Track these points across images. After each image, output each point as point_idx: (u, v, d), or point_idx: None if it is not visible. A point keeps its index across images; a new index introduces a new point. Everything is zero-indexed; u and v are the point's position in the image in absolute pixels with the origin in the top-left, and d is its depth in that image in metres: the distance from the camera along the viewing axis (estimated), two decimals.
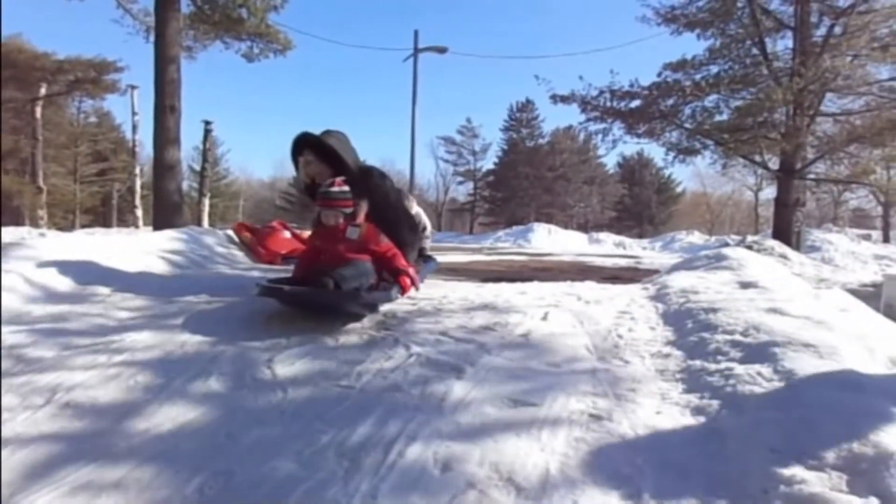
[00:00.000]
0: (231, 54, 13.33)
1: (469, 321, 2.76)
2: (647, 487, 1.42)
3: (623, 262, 10.89)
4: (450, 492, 1.45)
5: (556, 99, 13.71)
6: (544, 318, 2.78)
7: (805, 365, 1.84)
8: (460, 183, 41.65)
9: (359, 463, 1.57)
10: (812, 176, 13.12)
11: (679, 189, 41.31)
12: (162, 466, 1.59)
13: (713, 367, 2.01)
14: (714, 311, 2.54)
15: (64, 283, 3.25)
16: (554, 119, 55.18)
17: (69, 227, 22.63)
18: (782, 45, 12.73)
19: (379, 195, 3.36)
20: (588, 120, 13.81)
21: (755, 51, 12.55)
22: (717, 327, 2.34)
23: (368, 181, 3.35)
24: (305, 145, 3.34)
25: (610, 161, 40.83)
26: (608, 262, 10.53)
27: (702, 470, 1.48)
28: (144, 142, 21.52)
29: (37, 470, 1.54)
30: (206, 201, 16.29)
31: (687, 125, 13.10)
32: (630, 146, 41.78)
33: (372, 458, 1.59)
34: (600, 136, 13.57)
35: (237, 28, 12.94)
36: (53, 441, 1.69)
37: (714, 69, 12.54)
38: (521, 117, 39.01)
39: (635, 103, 13.05)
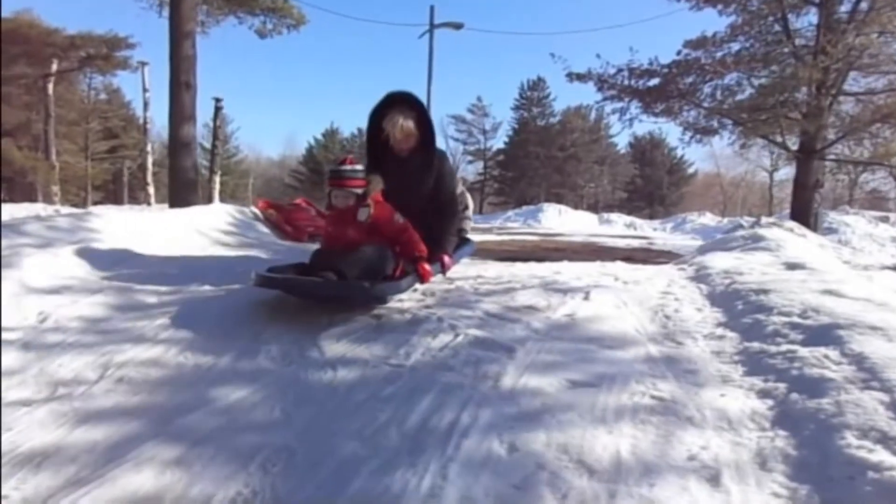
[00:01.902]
0: (242, 31, 13.19)
1: (510, 301, 2.72)
2: (726, 472, 1.38)
3: (635, 243, 10.79)
4: (520, 473, 1.42)
5: (572, 77, 13.47)
6: (586, 297, 2.73)
7: (876, 348, 1.79)
8: (470, 162, 41.35)
9: (423, 443, 1.54)
10: (832, 157, 12.90)
11: (691, 170, 40.92)
12: (220, 443, 1.57)
13: (774, 349, 1.96)
14: (765, 292, 2.49)
15: (123, 262, 3.24)
16: (565, 98, 54.75)
17: (81, 204, 22.68)
18: (805, 21, 12.42)
19: (442, 178, 3.15)
20: (605, 98, 13.57)
21: (777, 27, 12.26)
22: (771, 309, 2.29)
23: (443, 162, 3.21)
24: (405, 103, 3.03)
25: (621, 141, 40.43)
26: (620, 243, 10.43)
27: (779, 455, 1.44)
28: (155, 119, 21.44)
29: (98, 446, 1.52)
30: (217, 179, 16.25)
31: (706, 104, 12.88)
32: (642, 126, 41.40)
33: (436, 438, 1.57)
34: (617, 114, 13.33)
35: (251, 2, 12.81)
36: (111, 416, 1.67)
37: (735, 47, 12.25)
38: (533, 96, 38.57)
39: (654, 81, 12.80)
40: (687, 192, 40.21)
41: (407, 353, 2.13)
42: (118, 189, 30.21)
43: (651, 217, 28.51)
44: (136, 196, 25.34)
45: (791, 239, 3.79)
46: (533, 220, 22.17)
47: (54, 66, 18.35)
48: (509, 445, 1.53)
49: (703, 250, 4.11)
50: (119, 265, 3.08)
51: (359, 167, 2.78)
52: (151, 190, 19.97)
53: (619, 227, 21.23)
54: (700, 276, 3.10)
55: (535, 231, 15.62)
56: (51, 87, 19.53)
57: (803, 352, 1.88)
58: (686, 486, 1.34)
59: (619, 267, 3.73)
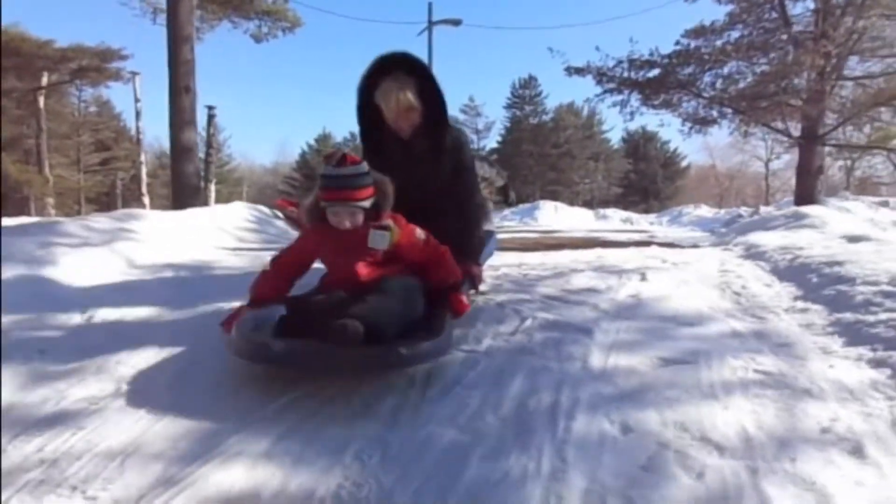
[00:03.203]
0: (235, 36, 13.09)
1: (566, 284, 2.62)
2: (868, 443, 1.29)
3: (636, 237, 10.73)
4: (643, 453, 1.31)
5: (570, 71, 13.44)
6: (643, 278, 2.64)
7: None
8: None
9: (527, 426, 1.44)
10: (833, 142, 12.91)
11: (685, 163, 41.02)
12: (306, 435, 1.46)
13: (871, 318, 1.87)
14: (839, 264, 2.40)
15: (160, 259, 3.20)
16: (557, 95, 54.83)
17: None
18: (802, 7, 12.42)
19: (460, 164, 2.43)
20: (604, 92, 13.55)
21: (775, 14, 12.26)
22: (853, 279, 2.20)
23: (460, 142, 2.47)
24: (402, 68, 2.29)
25: (614, 136, 40.54)
26: (621, 237, 10.36)
27: None
28: (146, 129, 21.30)
29: (180, 442, 1.41)
30: (213, 187, 16.11)
31: (705, 94, 12.85)
32: (636, 120, 41.51)
33: (539, 420, 1.46)
34: (618, 108, 13.30)
35: (246, 6, 12.69)
36: (186, 411, 1.55)
37: (734, 35, 12.24)
38: (524, 94, 38.59)
39: (654, 73, 12.79)
40: (681, 186, 40.29)
41: (477, 338, 2.03)
42: (112, 201, 29.95)
43: (647, 211, 28.52)
44: (131, 207, 25.15)
45: (833, 215, 3.73)
46: (529, 217, 22.11)
47: (45, 80, 18.15)
48: (621, 425, 1.42)
49: (741, 230, 4.04)
50: (156, 262, 2.98)
51: (364, 167, 1.90)
52: (147, 200, 19.80)
53: (615, 222, 21.20)
54: (754, 255, 3.02)
55: (533, 228, 15.54)
56: (42, 100, 19.34)
57: None
58: (830, 460, 1.24)
59: (660, 250, 3.64)
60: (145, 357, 1.89)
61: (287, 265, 2.03)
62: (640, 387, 1.61)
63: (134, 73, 19.37)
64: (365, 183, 1.89)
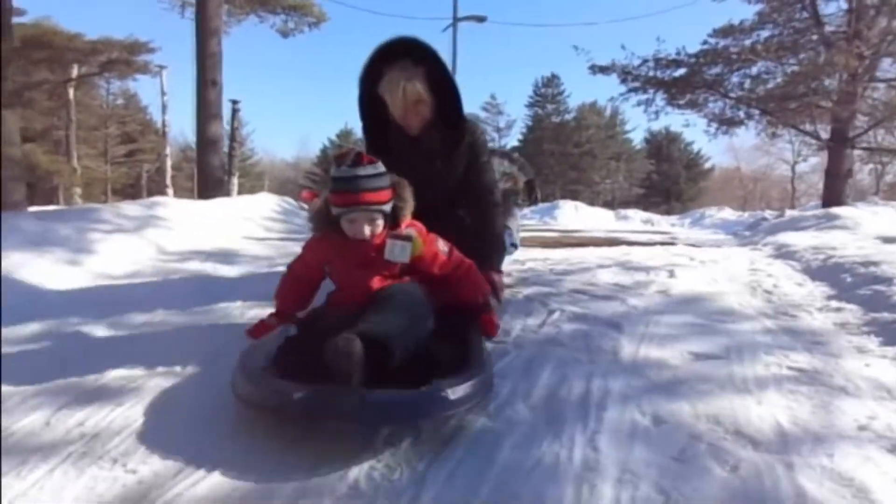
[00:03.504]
0: (253, 30, 13.20)
1: (592, 278, 2.62)
2: None
3: (657, 238, 10.62)
4: (675, 445, 1.31)
5: (595, 69, 13.34)
6: (672, 275, 2.62)
7: None
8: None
9: (558, 415, 1.44)
10: (864, 146, 12.65)
11: (708, 165, 40.49)
12: None
13: None
14: (874, 264, 2.36)
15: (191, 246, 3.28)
16: (580, 94, 54.45)
17: None
18: (834, 6, 12.17)
19: (476, 161, 2.20)
20: (629, 91, 13.43)
21: (805, 14, 12.04)
22: (890, 279, 2.17)
23: (476, 138, 2.23)
24: (409, 55, 2.03)
25: (637, 137, 40.17)
26: (642, 238, 10.25)
27: None
28: (171, 122, 21.63)
29: (214, 420, 1.43)
30: (235, 180, 16.29)
31: (733, 94, 12.67)
32: (659, 121, 41.02)
33: (571, 410, 1.46)
34: (642, 107, 13.17)
35: (272, 1, 12.79)
36: (221, 389, 1.58)
37: (764, 34, 12.04)
38: (547, 93, 38.39)
39: (680, 72, 12.64)
40: (704, 188, 39.78)
41: (505, 329, 2.03)
42: (137, 192, 30.44)
43: (668, 213, 28.19)
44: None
45: (866, 217, 3.67)
46: (549, 217, 21.96)
47: (75, 71, 18.49)
48: (653, 417, 1.42)
49: (770, 230, 3.99)
50: (185, 248, 3.04)
51: (382, 167, 1.67)
52: (170, 192, 20.09)
53: (636, 223, 20.98)
54: (784, 254, 2.98)
55: (553, 228, 15.45)
56: (72, 92, 19.72)
57: None
58: (868, 456, 1.23)
59: (686, 249, 3.61)
60: (179, 339, 1.93)
61: (299, 278, 1.84)
62: (671, 380, 1.60)
63: (161, 67, 19.70)
64: (384, 185, 1.66)
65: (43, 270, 2.35)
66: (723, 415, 1.41)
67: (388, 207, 1.68)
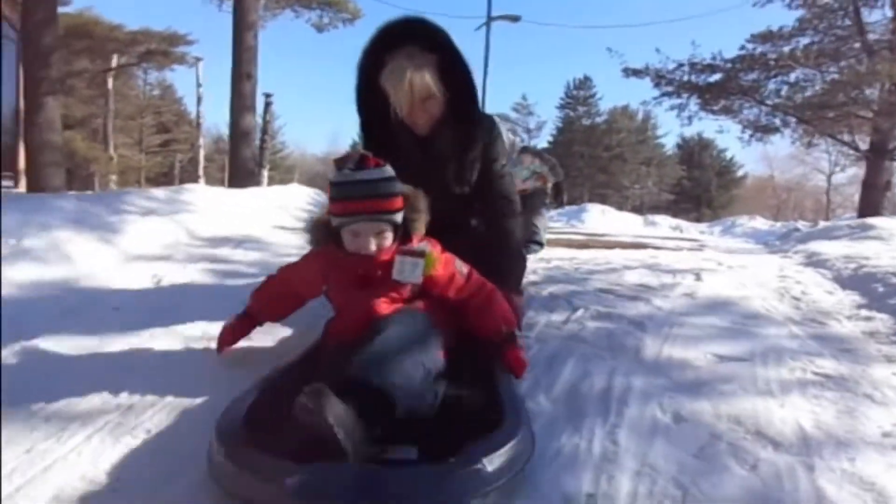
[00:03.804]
0: (296, 25, 13.40)
1: (619, 279, 2.62)
2: None
3: (686, 245, 10.45)
4: (695, 442, 1.31)
5: (628, 72, 13.22)
6: (698, 278, 2.61)
7: None
8: None
9: (579, 409, 1.45)
10: None
11: (741, 172, 39.78)
12: None
13: None
14: None
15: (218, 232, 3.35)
16: (612, 97, 53.88)
17: None
18: (879, 14, 11.85)
19: (493, 165, 1.90)
20: (662, 95, 13.29)
21: (848, 21, 11.77)
22: None
23: (493, 138, 1.92)
24: (416, 40, 1.71)
25: (669, 142, 39.65)
26: (670, 245, 10.11)
27: None
28: (205, 114, 22.04)
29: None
30: (266, 173, 16.52)
31: (769, 101, 12.45)
32: (692, 127, 40.43)
33: (591, 404, 1.47)
34: (675, 111, 13.02)
35: None
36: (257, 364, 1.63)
37: (804, 41, 11.80)
38: (579, 95, 38.14)
39: (715, 77, 12.47)
40: (736, 195, 39.10)
41: (529, 325, 2.05)
42: (170, 181, 31.05)
43: (698, 220, 27.73)
44: None
45: None
46: (576, 220, 21.76)
47: (115, 61, 18.96)
48: (674, 414, 1.42)
49: (802, 239, 3.93)
50: (216, 234, 3.11)
51: (390, 171, 1.43)
52: (202, 182, 20.46)
53: (664, 229, 20.64)
54: (815, 262, 2.94)
55: (580, 230, 15.31)
56: (111, 81, 20.21)
57: None
58: (892, 463, 1.22)
59: (714, 254, 3.58)
60: (211, 318, 1.98)
61: (286, 284, 1.62)
62: (694, 380, 1.60)
63: (197, 59, 20.04)
64: (394, 191, 1.42)
65: (82, 248, 2.44)
66: (744, 415, 1.40)
67: (398, 217, 1.43)
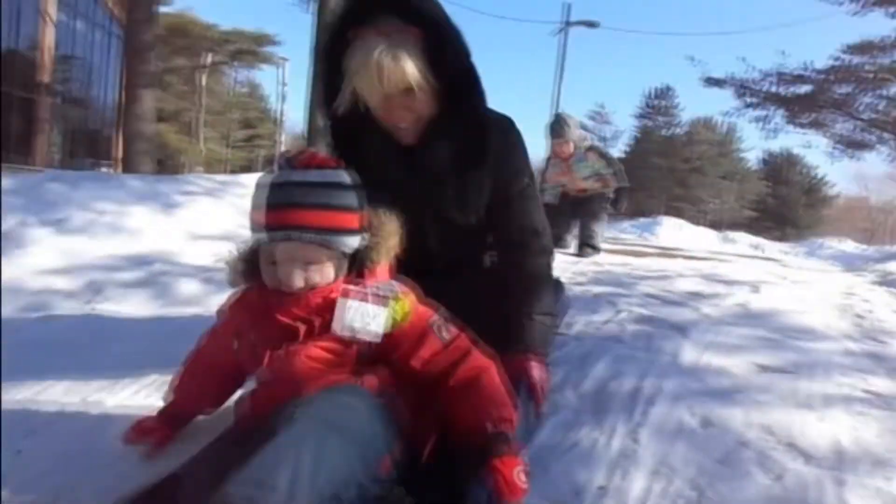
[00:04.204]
0: None
1: (669, 286, 2.55)
2: None
3: (766, 267, 9.97)
4: (720, 448, 1.28)
5: (709, 82, 12.78)
6: (755, 290, 2.51)
7: None
8: None
9: (604, 406, 1.45)
10: None
11: (832, 191, 37.42)
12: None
13: None
14: None
15: None
16: (693, 108, 52.08)
17: None
18: None
19: (509, 187, 1.37)
20: (745, 106, 12.76)
21: None
22: None
23: (509, 147, 1.38)
24: (387, 6, 1.18)
25: (752, 157, 37.81)
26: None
27: None
28: (287, 112, 22.97)
29: None
30: None
31: (863, 116, 11.71)
32: (776, 140, 38.46)
33: (618, 402, 1.46)
34: (760, 124, 12.48)
35: None
36: None
37: None
38: (659, 105, 37.01)
39: (804, 89, 11.86)
40: (825, 216, 36.79)
41: (568, 322, 2.04)
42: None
43: (781, 239, 26.25)
44: None
45: None
46: (649, 233, 21.02)
47: (209, 59, 20.12)
48: (702, 419, 1.39)
49: (880, 259, 3.69)
50: None
51: (344, 176, 1.01)
52: None
53: (742, 247, 19.60)
54: (889, 281, 2.77)
55: (651, 244, 14.81)
56: (203, 78, 21.45)
57: None
58: None
59: (780, 268, 3.42)
60: None
61: (208, 360, 1.16)
62: (729, 387, 1.56)
63: (283, 59, 20.96)
64: (342, 203, 0.99)
65: (145, 220, 2.65)
66: (777, 426, 1.36)
67: (347, 241, 1.00)
